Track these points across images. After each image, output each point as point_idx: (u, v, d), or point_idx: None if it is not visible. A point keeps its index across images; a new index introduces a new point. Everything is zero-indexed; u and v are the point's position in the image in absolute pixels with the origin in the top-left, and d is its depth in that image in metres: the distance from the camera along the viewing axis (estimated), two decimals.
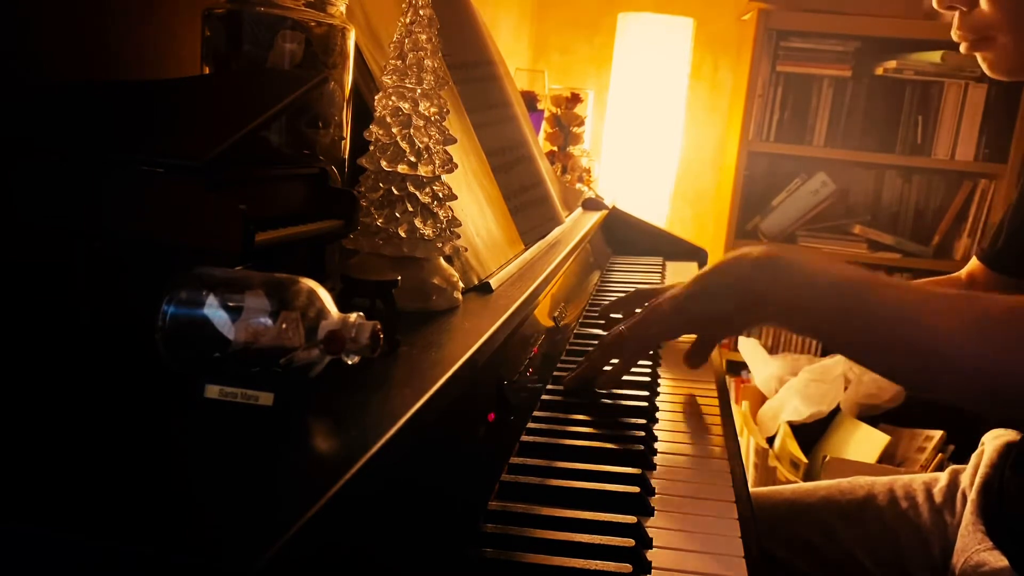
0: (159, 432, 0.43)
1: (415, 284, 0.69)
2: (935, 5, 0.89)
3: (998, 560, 0.85)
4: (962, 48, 0.90)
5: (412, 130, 0.68)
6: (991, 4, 0.84)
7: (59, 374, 0.47)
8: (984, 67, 0.89)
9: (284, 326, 0.44)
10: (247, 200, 0.49)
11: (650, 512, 0.64)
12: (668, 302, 0.81)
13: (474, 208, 0.91)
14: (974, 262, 1.11)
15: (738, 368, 2.70)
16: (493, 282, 0.82)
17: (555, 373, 0.93)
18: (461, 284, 0.75)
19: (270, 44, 0.66)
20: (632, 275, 1.53)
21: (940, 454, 2.16)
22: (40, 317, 0.51)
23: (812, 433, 2.29)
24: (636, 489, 0.65)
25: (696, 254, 1.76)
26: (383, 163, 0.68)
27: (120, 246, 0.50)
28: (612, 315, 1.11)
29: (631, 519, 0.60)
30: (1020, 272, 1.03)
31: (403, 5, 0.68)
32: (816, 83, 2.70)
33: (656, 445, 0.76)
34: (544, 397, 0.85)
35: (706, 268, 0.81)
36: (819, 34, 2.65)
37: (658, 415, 0.84)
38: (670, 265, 1.67)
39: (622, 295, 1.14)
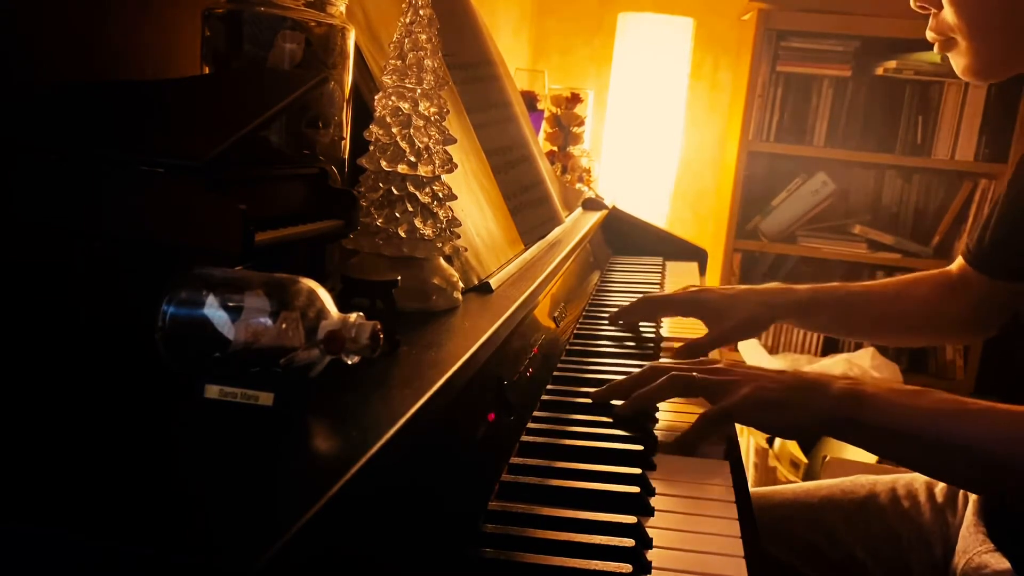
0: (159, 432, 0.43)
1: (415, 284, 0.69)
2: (912, 5, 0.90)
3: (1000, 562, 0.85)
4: (935, 48, 0.91)
5: (412, 130, 0.68)
6: (950, 8, 0.86)
7: (59, 374, 0.47)
8: (955, 69, 0.91)
9: (284, 326, 0.44)
10: (247, 200, 0.49)
11: (650, 512, 0.64)
12: (751, 390, 0.77)
13: (474, 208, 0.91)
14: (960, 261, 1.11)
15: None
16: (493, 282, 0.82)
17: (555, 373, 0.93)
18: (461, 284, 0.75)
19: (270, 44, 0.66)
20: (632, 275, 1.53)
21: None
22: (40, 317, 0.51)
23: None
24: (636, 489, 0.65)
25: (696, 254, 1.76)
26: (383, 163, 0.68)
27: (120, 246, 0.50)
28: (623, 320, 1.13)
29: (631, 519, 0.60)
30: (1007, 275, 1.03)
31: (403, 5, 0.68)
32: (816, 83, 2.70)
33: (656, 445, 0.76)
34: (544, 397, 0.85)
35: (784, 376, 0.79)
36: (819, 34, 2.65)
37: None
38: (670, 265, 1.67)
39: (635, 299, 1.14)
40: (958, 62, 0.89)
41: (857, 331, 1.25)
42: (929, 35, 0.91)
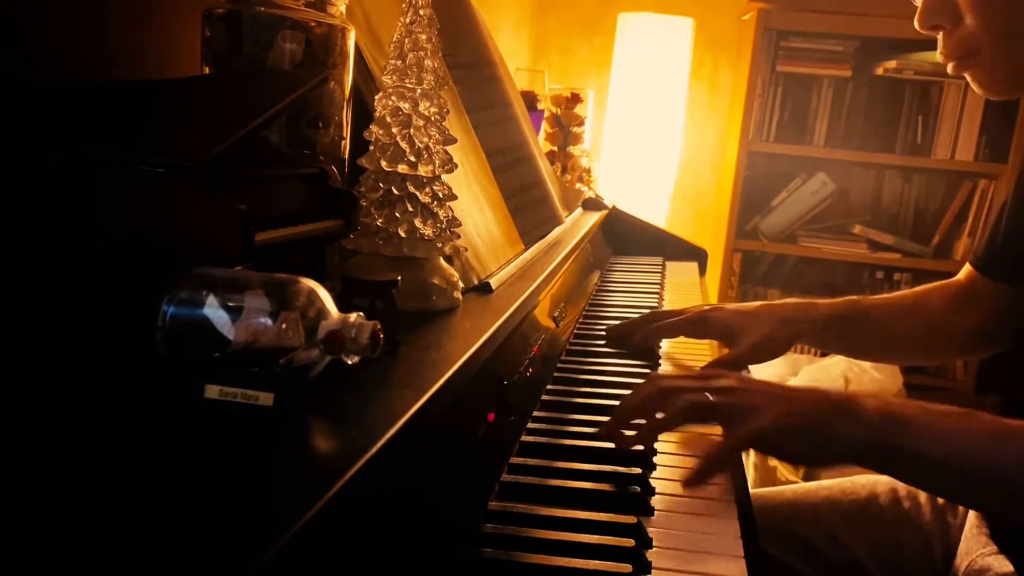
0: (159, 432, 0.43)
1: (415, 284, 0.69)
2: (917, 26, 0.86)
3: (1003, 565, 0.85)
4: (950, 69, 0.87)
5: (412, 130, 0.68)
6: (976, 17, 0.81)
7: (59, 374, 0.47)
8: (974, 87, 0.87)
9: (284, 326, 0.44)
10: (247, 200, 0.49)
11: (650, 512, 0.64)
12: (775, 416, 0.69)
13: (474, 208, 0.91)
14: (968, 268, 1.08)
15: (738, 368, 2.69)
16: (493, 282, 0.82)
17: (555, 373, 0.93)
18: (461, 284, 0.75)
19: (270, 44, 0.66)
20: (632, 275, 1.53)
21: None
22: (40, 317, 0.51)
23: None
24: (636, 489, 0.65)
25: (696, 254, 1.76)
26: (383, 163, 0.68)
27: (120, 246, 0.50)
28: (620, 338, 1.07)
29: (631, 519, 0.60)
30: (1017, 279, 1.01)
31: (403, 5, 0.68)
32: (816, 83, 2.70)
33: (656, 445, 0.76)
34: (544, 397, 0.85)
35: (809, 396, 0.71)
36: (819, 34, 2.65)
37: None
38: (670, 265, 1.67)
39: (629, 319, 1.09)
40: (981, 76, 0.85)
41: (876, 352, 1.17)
42: (941, 56, 0.86)
